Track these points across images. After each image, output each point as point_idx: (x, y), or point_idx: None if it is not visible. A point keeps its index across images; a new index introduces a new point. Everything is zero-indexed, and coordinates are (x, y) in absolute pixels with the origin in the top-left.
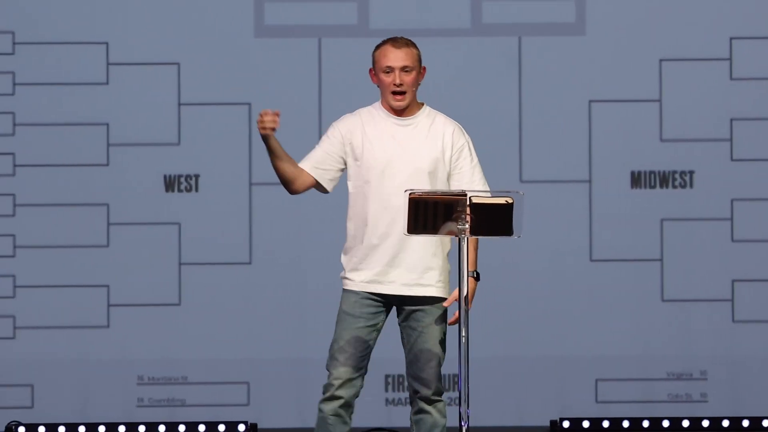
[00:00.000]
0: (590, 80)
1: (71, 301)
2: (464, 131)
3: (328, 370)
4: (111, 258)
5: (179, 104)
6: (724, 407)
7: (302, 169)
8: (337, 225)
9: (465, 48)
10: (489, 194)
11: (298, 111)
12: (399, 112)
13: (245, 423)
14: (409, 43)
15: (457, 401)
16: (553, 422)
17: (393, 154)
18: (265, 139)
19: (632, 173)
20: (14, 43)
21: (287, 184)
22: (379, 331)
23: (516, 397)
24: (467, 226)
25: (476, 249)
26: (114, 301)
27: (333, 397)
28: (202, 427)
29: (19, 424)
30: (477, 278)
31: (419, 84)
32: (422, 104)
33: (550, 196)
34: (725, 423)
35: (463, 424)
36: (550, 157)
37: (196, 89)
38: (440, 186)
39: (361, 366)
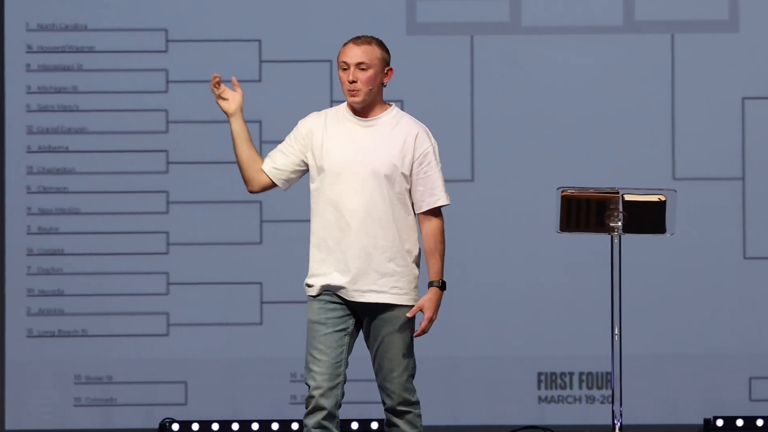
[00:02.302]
0: (743, 77)
1: (224, 298)
2: (430, 135)
3: (306, 383)
4: (264, 255)
5: (331, 101)
6: None
7: (260, 170)
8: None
9: (616, 45)
10: (642, 191)
11: (449, 109)
12: (362, 113)
13: (379, 421)
14: (371, 42)
15: (609, 399)
16: (706, 420)
17: (350, 155)
18: (227, 115)
19: None
20: (167, 41)
21: (245, 183)
22: (350, 335)
23: (669, 394)
24: (620, 223)
25: (442, 257)
26: (267, 298)
27: (316, 409)
28: (354, 425)
29: (173, 421)
30: (442, 287)
31: (383, 85)
32: (389, 105)
33: (703, 193)
34: None
35: (616, 422)
36: (703, 155)
37: None
38: (396, 190)
39: (338, 373)
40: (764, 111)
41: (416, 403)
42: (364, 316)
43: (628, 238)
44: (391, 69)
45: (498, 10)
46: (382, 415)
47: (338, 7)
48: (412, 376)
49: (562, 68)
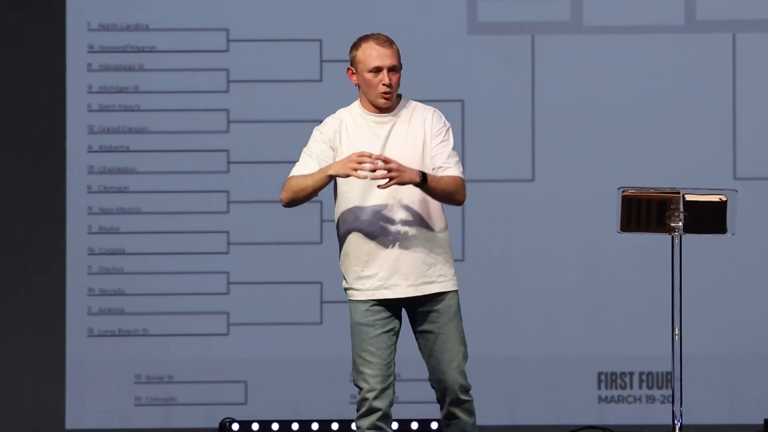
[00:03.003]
0: None
1: (284, 297)
2: (443, 116)
3: (357, 386)
4: (324, 254)
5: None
6: None
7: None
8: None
9: (678, 45)
10: (703, 191)
11: (510, 109)
12: (381, 110)
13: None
14: (392, 42)
15: (669, 399)
16: (767, 420)
17: (378, 152)
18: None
19: None
20: (228, 41)
21: (289, 203)
22: (397, 335)
23: (730, 394)
24: (681, 223)
25: (444, 179)
26: (327, 298)
27: (371, 411)
28: (414, 425)
29: (233, 420)
30: (422, 176)
31: None
32: (400, 96)
33: (764, 193)
34: None
35: (676, 422)
36: (764, 154)
37: (410, 86)
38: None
39: (389, 374)
40: None
41: (470, 390)
42: (411, 312)
43: (688, 238)
44: (401, 65)
45: (559, 9)
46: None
47: (399, 7)
48: (466, 361)
49: (623, 68)
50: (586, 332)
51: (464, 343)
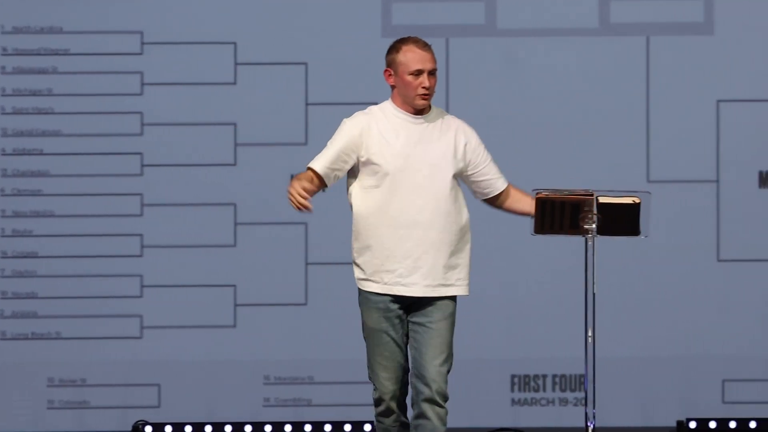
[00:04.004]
0: (718, 80)
1: (198, 300)
2: (468, 125)
3: (374, 384)
4: (238, 258)
5: (306, 104)
6: None
7: (318, 181)
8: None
9: (592, 47)
10: (616, 194)
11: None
12: (414, 111)
13: (371, 422)
14: (429, 45)
15: (582, 402)
16: (679, 423)
17: (410, 152)
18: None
19: (760, 173)
20: (143, 43)
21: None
22: (407, 334)
23: (642, 397)
24: (594, 225)
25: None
26: (241, 300)
27: (389, 411)
28: (328, 427)
29: (146, 423)
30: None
31: None
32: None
33: (677, 196)
34: None
35: (589, 424)
36: (677, 157)
37: (324, 89)
38: (454, 183)
39: (405, 371)
40: (739, 114)
41: (447, 398)
42: (414, 306)
43: (602, 240)
44: None
45: (473, 12)
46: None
47: (313, 10)
48: (449, 371)
49: (538, 71)
50: (500, 335)
51: (450, 348)
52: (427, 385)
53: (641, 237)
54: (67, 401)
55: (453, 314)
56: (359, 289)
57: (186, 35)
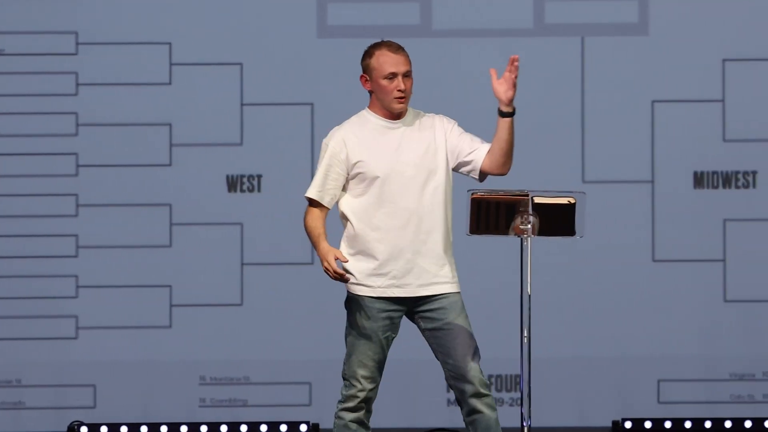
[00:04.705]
0: (653, 80)
1: (134, 301)
2: (445, 116)
3: (347, 380)
4: (173, 258)
5: (242, 104)
6: None
7: (320, 214)
8: None
9: (527, 48)
10: (551, 194)
11: (360, 111)
12: (391, 116)
13: (307, 423)
14: (402, 48)
15: (518, 402)
16: (615, 422)
17: (392, 157)
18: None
19: (695, 173)
20: (77, 44)
21: None
22: (393, 339)
23: (578, 397)
24: (530, 226)
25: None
26: (176, 301)
27: (357, 408)
28: (264, 428)
29: (82, 424)
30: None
31: None
32: None
33: (612, 196)
34: None
35: (525, 424)
36: (612, 158)
37: (259, 89)
38: (446, 179)
39: (380, 373)
40: (673, 114)
41: (489, 385)
42: (417, 313)
43: (538, 240)
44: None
45: (409, 13)
46: None
47: (248, 10)
48: (480, 358)
49: (473, 71)
50: None
51: (474, 339)
52: (470, 382)
53: (576, 237)
54: (2, 402)
55: (463, 309)
56: (349, 293)
57: (121, 35)
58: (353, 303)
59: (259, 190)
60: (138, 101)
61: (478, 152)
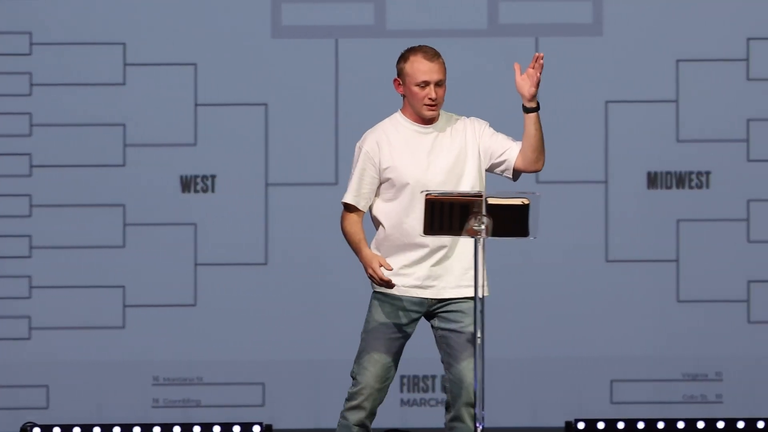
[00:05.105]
0: (607, 81)
1: (87, 301)
2: (478, 118)
3: (355, 378)
4: (127, 259)
5: (196, 105)
6: (739, 408)
7: (357, 219)
8: None
9: (481, 48)
10: (505, 195)
11: (314, 112)
12: (423, 120)
13: (260, 424)
14: (438, 54)
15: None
16: (568, 423)
17: (424, 162)
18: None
19: (648, 174)
20: (31, 44)
21: None
22: (407, 340)
23: (531, 397)
24: (483, 226)
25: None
26: (130, 301)
27: (360, 408)
28: (217, 428)
29: (34, 425)
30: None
31: None
32: None
33: (566, 196)
34: (740, 424)
35: (478, 425)
36: (566, 158)
37: (213, 90)
38: (479, 183)
39: (389, 376)
40: (627, 114)
41: None
42: (435, 311)
43: (491, 241)
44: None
45: (363, 13)
46: None
47: (203, 11)
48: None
49: None
50: None
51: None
52: (465, 389)
53: (530, 238)
54: None
55: (473, 317)
56: (374, 291)
57: (75, 36)
58: (377, 300)
59: (212, 191)
60: (92, 102)
61: (510, 152)
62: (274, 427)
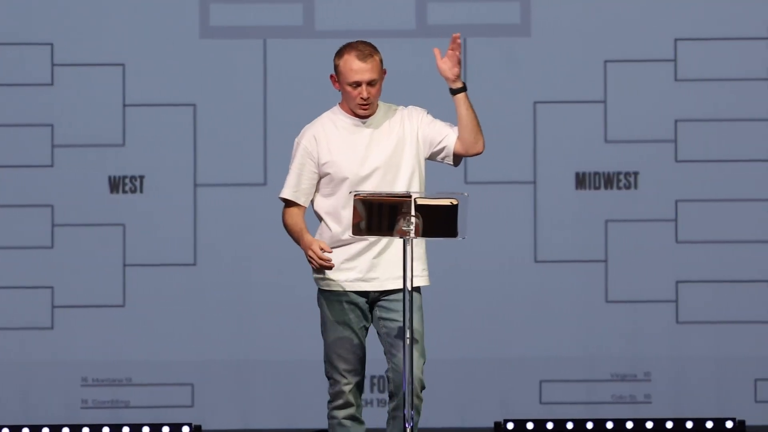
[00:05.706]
0: (535, 81)
1: (15, 302)
2: (416, 107)
3: (331, 378)
4: (55, 259)
5: (124, 105)
6: (667, 408)
7: (298, 212)
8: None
9: (410, 49)
10: (433, 195)
11: (242, 112)
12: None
13: (189, 425)
14: (373, 53)
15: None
16: (497, 424)
17: (362, 156)
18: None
19: (577, 174)
20: None
21: None
22: (368, 330)
23: (460, 398)
24: (412, 227)
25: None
26: (58, 302)
27: (347, 404)
28: (146, 429)
29: None
30: (464, 87)
31: None
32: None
33: (495, 197)
34: (669, 424)
35: (407, 425)
36: (494, 159)
37: (141, 90)
38: (418, 173)
39: (363, 367)
40: (555, 115)
41: (424, 387)
42: (378, 302)
43: (420, 241)
44: (385, 69)
45: (291, 13)
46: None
47: (131, 11)
48: (425, 362)
49: None
50: (318, 338)
51: (422, 339)
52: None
53: (459, 238)
54: None
55: (420, 306)
56: (320, 290)
57: (2, 36)
58: (324, 299)
59: (141, 191)
60: (19, 102)
61: (448, 138)
62: (203, 427)
